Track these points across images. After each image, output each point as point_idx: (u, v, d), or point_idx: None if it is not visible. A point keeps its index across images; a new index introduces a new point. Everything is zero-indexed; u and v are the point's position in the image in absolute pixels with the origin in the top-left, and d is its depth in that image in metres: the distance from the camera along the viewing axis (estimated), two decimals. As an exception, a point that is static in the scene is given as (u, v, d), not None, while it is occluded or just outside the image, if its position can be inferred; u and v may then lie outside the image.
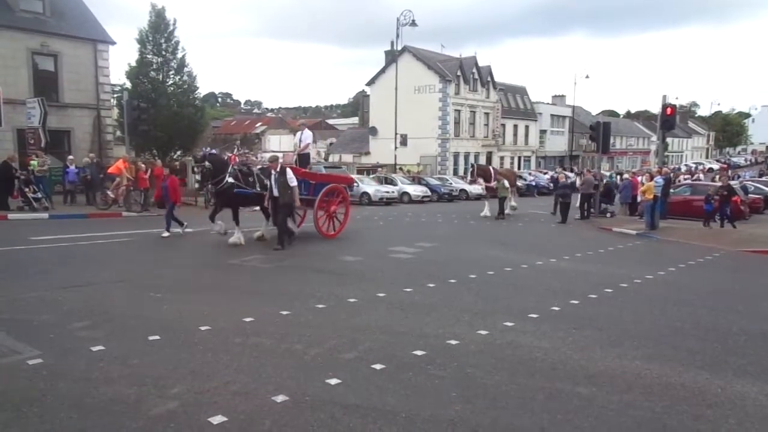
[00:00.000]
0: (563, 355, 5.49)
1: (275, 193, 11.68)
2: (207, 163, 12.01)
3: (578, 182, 27.91)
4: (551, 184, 32.88)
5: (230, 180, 12.14)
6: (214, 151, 13.88)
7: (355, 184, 21.15)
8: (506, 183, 21.54)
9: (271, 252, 11.31)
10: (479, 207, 24.25)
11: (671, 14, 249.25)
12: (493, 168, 24.65)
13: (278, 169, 11.68)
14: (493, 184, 21.95)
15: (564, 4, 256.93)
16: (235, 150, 15.13)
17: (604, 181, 24.83)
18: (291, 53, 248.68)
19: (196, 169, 12.67)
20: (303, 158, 14.38)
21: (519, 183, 37.89)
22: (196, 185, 13.55)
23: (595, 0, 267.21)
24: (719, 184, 20.29)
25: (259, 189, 12.53)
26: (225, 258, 10.53)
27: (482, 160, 50.76)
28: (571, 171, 40.82)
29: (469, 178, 25.71)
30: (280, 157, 14.18)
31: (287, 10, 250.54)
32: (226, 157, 13.29)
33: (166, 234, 13.24)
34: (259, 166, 13.34)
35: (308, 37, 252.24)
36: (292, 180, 11.63)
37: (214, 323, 6.15)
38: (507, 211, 22.39)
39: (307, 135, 14.43)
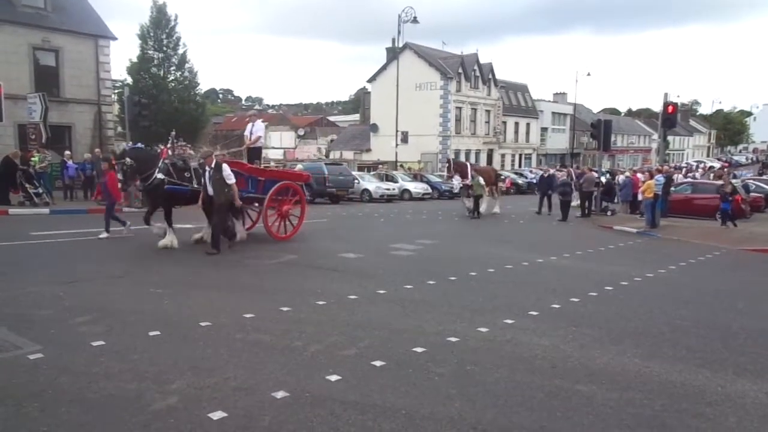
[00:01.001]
0: (563, 352, 5.49)
1: (210, 192, 10.65)
2: (128, 160, 10.80)
3: (565, 178, 28.03)
4: (536, 182, 31.91)
5: (160, 176, 10.95)
6: (139, 145, 12.66)
7: (311, 180, 18.67)
8: (481, 180, 20.51)
9: (271, 248, 11.30)
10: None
11: (673, 12, 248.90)
12: (470, 164, 23.49)
13: (213, 165, 10.57)
14: (468, 180, 21.02)
15: (566, 2, 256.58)
16: (169, 142, 13.72)
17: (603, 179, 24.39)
18: (292, 50, 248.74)
19: (117, 167, 11.33)
20: (253, 152, 13.42)
21: (520, 180, 37.92)
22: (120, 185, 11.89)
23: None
24: (720, 182, 20.30)
25: (196, 185, 11.39)
26: (225, 254, 10.53)
27: (483, 158, 50.79)
28: (564, 168, 40.53)
29: (446, 173, 24.60)
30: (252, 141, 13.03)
31: (289, 6, 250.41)
32: (157, 151, 12.10)
33: (104, 235, 11.95)
34: (197, 161, 12.01)
35: (310, 34, 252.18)
36: (230, 177, 10.58)
37: (215, 319, 6.16)
38: (495, 210, 21.68)
39: (259, 127, 13.42)
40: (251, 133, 13.16)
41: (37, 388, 4.27)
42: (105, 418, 3.86)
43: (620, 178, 24.75)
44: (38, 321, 5.98)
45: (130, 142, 19.03)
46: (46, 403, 4.04)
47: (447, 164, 23.33)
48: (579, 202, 22.66)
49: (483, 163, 50.09)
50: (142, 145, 13.11)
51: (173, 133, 13.77)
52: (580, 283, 8.92)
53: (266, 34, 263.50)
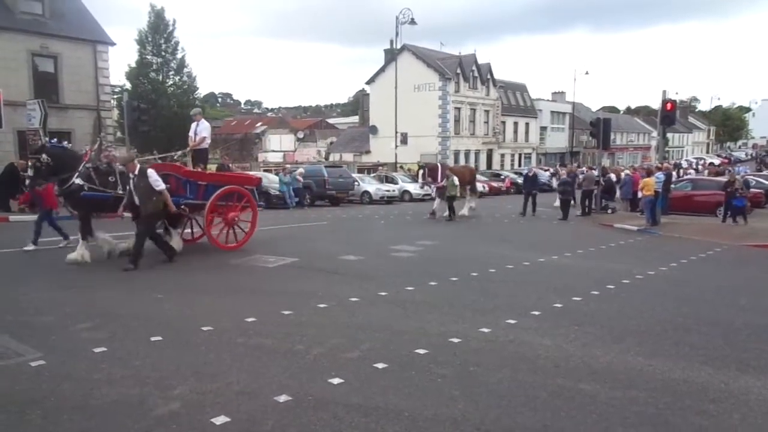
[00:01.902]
0: (566, 352, 5.48)
1: (136, 201, 9.53)
2: (44, 156, 9.57)
3: (554, 181, 28.02)
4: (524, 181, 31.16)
5: (78, 182, 9.77)
6: (65, 144, 10.82)
7: (262, 184, 16.39)
8: (456, 180, 19.23)
9: (270, 251, 11.28)
10: (480, 204, 24.19)
11: (672, 9, 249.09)
12: (442, 164, 21.63)
13: (136, 172, 9.50)
14: (443, 182, 19.64)
15: (565, 1, 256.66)
16: (96, 144, 12.38)
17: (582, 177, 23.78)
18: (291, 52, 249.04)
19: (30, 162, 10.20)
20: (199, 154, 12.49)
21: (520, 180, 37.83)
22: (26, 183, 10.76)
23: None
24: (724, 179, 20.26)
25: (121, 192, 10.16)
26: (226, 258, 10.53)
27: (483, 158, 50.83)
28: (565, 166, 40.42)
29: (420, 180, 22.16)
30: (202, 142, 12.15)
31: (288, 9, 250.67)
32: (81, 152, 10.84)
33: (30, 248, 10.92)
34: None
35: (308, 36, 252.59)
36: (158, 183, 9.51)
37: (216, 323, 6.15)
38: (463, 212, 20.51)
39: (204, 127, 12.38)
40: (195, 134, 12.27)
41: (39, 395, 4.26)
42: (108, 424, 3.85)
43: (611, 176, 24.59)
44: (40, 327, 5.98)
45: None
46: (48, 410, 4.03)
47: (421, 170, 21.53)
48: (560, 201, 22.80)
49: (483, 163, 50.17)
50: (68, 144, 11.79)
51: (102, 134, 13.11)
52: (581, 282, 8.91)
53: (265, 37, 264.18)
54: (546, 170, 38.69)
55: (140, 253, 9.54)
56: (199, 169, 11.93)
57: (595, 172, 23.61)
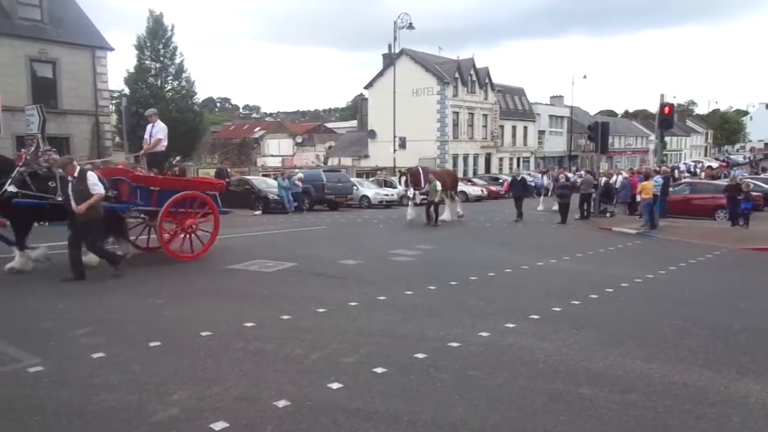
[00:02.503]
0: (565, 355, 5.48)
1: (73, 206, 8.78)
2: None
3: (545, 181, 27.97)
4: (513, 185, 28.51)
5: (11, 189, 9.01)
6: None
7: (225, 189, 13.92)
8: (438, 185, 18.54)
9: (271, 256, 11.26)
10: (479, 209, 24.28)
11: (669, 13, 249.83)
12: (424, 169, 20.73)
13: (75, 175, 8.76)
14: (425, 188, 19.00)
15: (562, 6, 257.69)
16: (34, 146, 11.36)
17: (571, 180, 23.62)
18: (289, 57, 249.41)
19: None
20: (154, 158, 11.73)
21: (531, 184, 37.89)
22: None
23: (593, 0, 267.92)
24: (724, 182, 20.28)
25: (60, 198, 9.33)
26: (225, 263, 10.52)
27: (481, 162, 50.87)
28: (546, 171, 39.98)
29: (403, 187, 21.26)
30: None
31: (287, 14, 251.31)
32: (15, 156, 9.96)
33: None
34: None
35: (307, 41, 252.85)
36: (95, 187, 8.76)
37: (215, 328, 6.14)
38: (444, 217, 19.78)
39: (160, 128, 11.64)
40: (151, 136, 11.57)
41: (37, 401, 4.25)
42: (106, 430, 3.85)
43: (602, 180, 24.56)
44: (38, 333, 5.97)
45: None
46: (46, 416, 4.02)
47: (403, 177, 20.78)
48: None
49: (481, 167, 50.22)
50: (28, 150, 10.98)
51: (39, 134, 12.56)
52: (580, 286, 8.91)
53: (264, 41, 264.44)
54: (543, 172, 38.49)
55: (114, 256, 9.27)
56: (153, 174, 11.23)
57: (592, 177, 23.63)
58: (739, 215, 18.27)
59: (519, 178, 22.84)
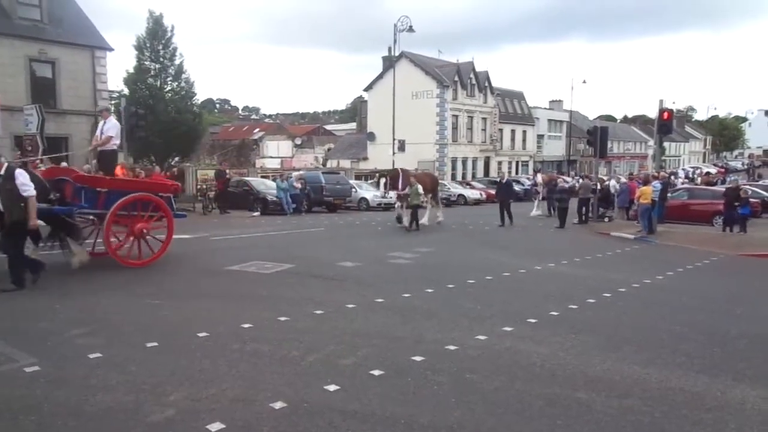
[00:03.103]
0: (562, 360, 5.48)
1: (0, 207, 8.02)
2: None
3: (539, 179, 27.68)
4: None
5: None
6: None
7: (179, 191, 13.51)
8: (419, 189, 18.02)
9: (269, 258, 11.25)
10: (477, 212, 24.26)
11: (669, 19, 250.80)
12: (403, 171, 19.92)
13: (2, 172, 7.95)
14: (405, 190, 18.39)
15: (562, 11, 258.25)
16: None
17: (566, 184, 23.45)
18: (289, 58, 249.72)
19: None
20: (105, 157, 10.95)
21: (517, 188, 37.77)
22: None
23: (593, 5, 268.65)
24: (721, 188, 20.30)
25: None
26: (223, 264, 10.51)
27: (480, 165, 50.90)
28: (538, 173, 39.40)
29: (382, 189, 20.56)
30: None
31: (287, 16, 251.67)
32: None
33: None
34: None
35: (307, 43, 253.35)
36: (25, 187, 7.90)
37: (212, 329, 6.14)
38: (423, 221, 19.16)
39: (111, 125, 10.98)
40: (102, 133, 10.85)
41: (33, 401, 4.24)
42: (102, 430, 3.84)
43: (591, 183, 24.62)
44: (35, 333, 5.96)
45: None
46: (43, 416, 4.02)
47: (383, 179, 19.96)
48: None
49: (480, 170, 50.25)
50: None
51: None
52: (578, 290, 8.92)
53: (264, 43, 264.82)
54: (538, 170, 38.22)
55: (21, 274, 8.11)
56: (101, 174, 10.66)
57: (590, 182, 23.64)
58: (735, 221, 18.29)
59: (504, 182, 21.89)
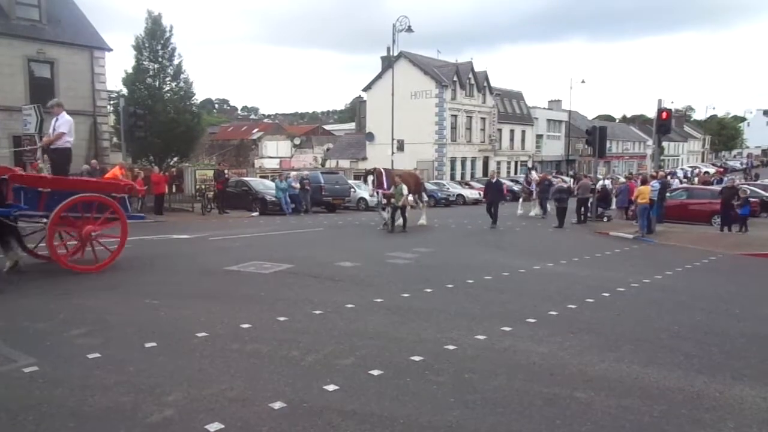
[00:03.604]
0: (561, 359, 5.48)
1: None
2: None
3: (534, 176, 27.42)
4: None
5: None
6: None
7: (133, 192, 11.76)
8: (404, 189, 17.47)
9: (268, 258, 11.24)
10: (476, 212, 24.22)
11: (668, 19, 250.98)
12: (387, 171, 19.31)
13: None
14: (390, 190, 17.86)
15: (561, 11, 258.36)
16: None
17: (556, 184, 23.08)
18: (288, 59, 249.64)
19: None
20: (57, 155, 10.40)
21: (516, 188, 37.70)
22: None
23: (593, 6, 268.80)
24: (719, 187, 20.34)
25: None
26: (222, 264, 10.50)
27: (479, 165, 50.92)
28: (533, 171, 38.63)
29: (370, 187, 19.30)
30: None
31: (286, 16, 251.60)
32: None
33: None
34: None
35: (305, 43, 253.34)
36: None
37: (211, 330, 6.13)
38: (422, 221, 19.09)
39: (64, 121, 10.32)
40: (54, 129, 10.32)
41: (32, 402, 4.24)
42: (101, 431, 3.83)
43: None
44: (33, 333, 5.95)
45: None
46: (41, 416, 4.01)
47: (370, 175, 19.02)
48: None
49: (479, 170, 50.26)
50: None
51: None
52: (577, 290, 8.92)
53: (263, 43, 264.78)
54: (532, 168, 37.66)
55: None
56: (44, 174, 10.21)
57: (590, 181, 23.65)
58: (732, 221, 18.32)
59: (494, 181, 20.96)
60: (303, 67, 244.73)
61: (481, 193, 34.91)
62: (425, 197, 22.11)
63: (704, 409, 4.41)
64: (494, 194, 20.04)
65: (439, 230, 18.81)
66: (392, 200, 17.80)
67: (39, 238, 10.06)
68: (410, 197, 18.32)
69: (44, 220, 9.32)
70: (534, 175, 28.64)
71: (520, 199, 26.69)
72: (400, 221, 18.02)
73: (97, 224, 9.70)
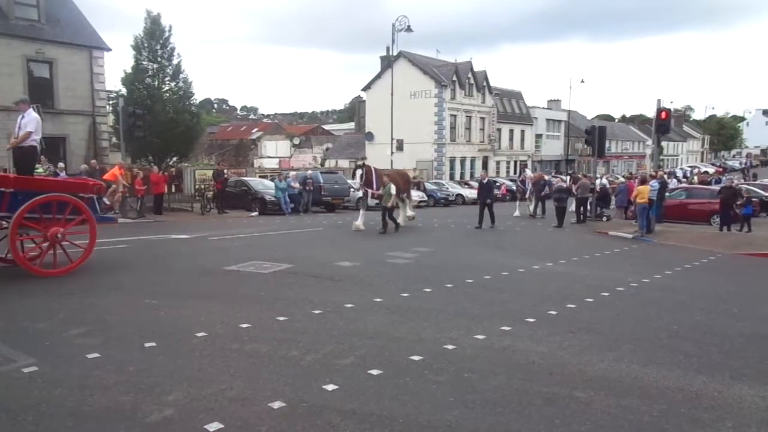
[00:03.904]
0: (560, 359, 5.48)
1: None
2: None
3: (528, 174, 27.07)
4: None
5: None
6: None
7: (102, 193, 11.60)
8: (392, 189, 16.82)
9: (268, 257, 11.24)
10: (476, 212, 24.10)
11: (668, 19, 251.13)
12: (376, 169, 18.54)
13: None
14: (379, 191, 17.27)
15: (561, 11, 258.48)
16: None
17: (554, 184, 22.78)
18: (287, 58, 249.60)
19: None
20: (24, 154, 10.00)
21: (515, 187, 37.44)
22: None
23: (592, 5, 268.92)
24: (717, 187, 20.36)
25: None
26: (221, 264, 10.50)
27: (478, 165, 50.90)
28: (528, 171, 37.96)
29: (358, 181, 18.39)
30: None
31: (286, 16, 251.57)
32: None
33: None
34: None
35: (305, 42, 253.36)
36: None
37: (211, 329, 6.13)
38: (399, 220, 18.14)
39: (30, 119, 9.91)
40: (20, 128, 9.92)
41: (31, 402, 4.24)
42: (100, 431, 3.83)
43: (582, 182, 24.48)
44: (33, 334, 5.95)
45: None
46: (41, 416, 4.01)
47: (359, 170, 18.12)
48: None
49: (478, 170, 50.24)
50: None
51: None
52: (576, 289, 8.93)
53: (262, 43, 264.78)
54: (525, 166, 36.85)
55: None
56: (11, 174, 9.57)
57: (588, 181, 23.64)
58: (732, 221, 18.35)
59: (485, 181, 20.33)
60: (302, 66, 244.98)
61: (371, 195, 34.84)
62: (413, 196, 21.66)
63: (703, 409, 4.42)
64: (485, 195, 19.61)
65: (438, 230, 18.81)
66: (382, 201, 17.29)
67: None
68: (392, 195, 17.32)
69: (4, 223, 9.02)
70: (528, 173, 28.32)
71: (518, 200, 26.35)
72: (360, 220, 17.39)
73: (64, 225, 9.36)
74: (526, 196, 25.01)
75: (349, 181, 27.54)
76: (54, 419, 3.97)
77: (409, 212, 19.57)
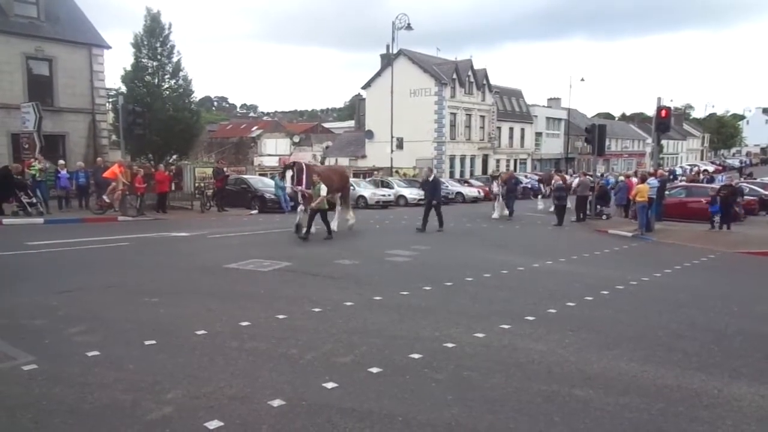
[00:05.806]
0: (560, 357, 5.49)
1: None
2: None
3: (495, 186, 26.20)
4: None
5: None
6: None
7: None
8: (322, 189, 14.34)
9: (267, 255, 11.24)
10: (475, 210, 24.13)
11: (668, 18, 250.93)
12: (308, 166, 16.50)
13: None
14: (308, 190, 14.96)
15: (561, 9, 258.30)
16: None
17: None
18: (287, 56, 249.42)
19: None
20: None
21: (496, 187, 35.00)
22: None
23: (593, 4, 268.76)
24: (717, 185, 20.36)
25: None
26: (221, 262, 10.50)
27: (478, 163, 50.88)
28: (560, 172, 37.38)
29: (289, 185, 15.81)
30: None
31: (285, 14, 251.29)
32: None
33: None
34: None
35: (305, 40, 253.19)
36: None
37: (210, 327, 6.13)
38: (333, 226, 15.71)
39: None
40: None
41: (31, 399, 4.24)
42: (100, 428, 3.83)
43: (575, 180, 24.30)
44: (32, 331, 5.95)
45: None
46: (40, 414, 4.01)
47: (289, 171, 15.72)
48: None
49: (478, 168, 50.23)
50: None
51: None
52: (575, 288, 8.93)
53: (263, 41, 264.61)
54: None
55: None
56: None
57: (590, 179, 23.62)
58: (731, 219, 18.40)
59: (431, 180, 18.15)
60: (302, 64, 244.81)
61: (480, 191, 35.05)
62: (413, 194, 18.91)
63: (702, 407, 4.42)
64: (430, 194, 17.88)
65: (437, 229, 18.76)
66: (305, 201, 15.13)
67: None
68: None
69: None
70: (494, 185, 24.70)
71: (495, 201, 23.79)
72: (303, 222, 14.87)
73: None
74: (498, 199, 23.14)
75: (354, 182, 27.45)
76: (53, 417, 3.97)
77: (349, 216, 17.22)
